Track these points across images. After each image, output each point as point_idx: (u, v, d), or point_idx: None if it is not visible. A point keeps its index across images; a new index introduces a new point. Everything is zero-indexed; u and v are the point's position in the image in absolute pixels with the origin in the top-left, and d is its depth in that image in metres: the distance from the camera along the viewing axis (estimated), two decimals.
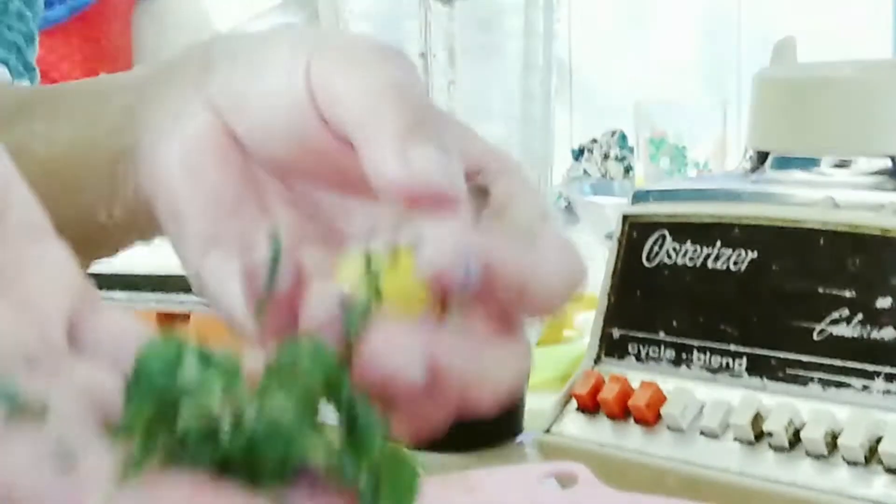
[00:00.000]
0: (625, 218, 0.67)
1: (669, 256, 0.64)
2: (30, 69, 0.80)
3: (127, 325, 0.32)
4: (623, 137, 1.94)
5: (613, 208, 1.41)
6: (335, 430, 0.30)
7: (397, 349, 0.32)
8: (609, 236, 1.22)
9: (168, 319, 1.75)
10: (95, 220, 0.47)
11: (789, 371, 0.59)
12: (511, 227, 0.35)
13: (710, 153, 1.35)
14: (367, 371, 0.32)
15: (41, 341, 0.30)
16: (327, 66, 0.37)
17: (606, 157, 1.93)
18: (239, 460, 0.28)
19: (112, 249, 0.52)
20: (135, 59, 2.39)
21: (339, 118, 0.36)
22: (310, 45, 0.37)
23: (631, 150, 1.88)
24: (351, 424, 0.30)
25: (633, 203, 0.67)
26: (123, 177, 0.42)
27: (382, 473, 0.30)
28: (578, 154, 1.98)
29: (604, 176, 1.91)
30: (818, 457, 0.57)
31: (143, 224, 0.44)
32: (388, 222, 0.36)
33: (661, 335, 0.64)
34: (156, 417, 0.28)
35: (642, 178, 1.39)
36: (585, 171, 1.93)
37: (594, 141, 1.97)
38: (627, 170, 1.91)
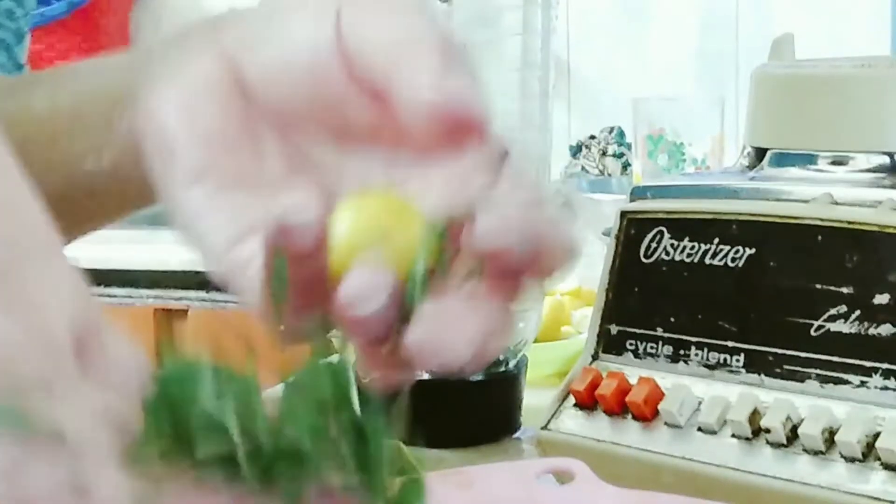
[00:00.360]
0: (623, 214, 0.67)
1: (667, 253, 0.64)
2: (19, 67, 0.80)
3: (132, 351, 0.31)
4: (621, 134, 1.94)
5: (611, 205, 1.41)
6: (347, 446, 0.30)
7: (452, 335, 0.32)
8: (607, 233, 1.22)
9: (166, 315, 1.75)
10: (85, 168, 0.47)
11: (787, 367, 0.59)
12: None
13: (707, 150, 1.35)
14: (420, 357, 0.32)
15: (51, 362, 0.29)
16: (360, 12, 0.37)
17: (604, 153, 1.93)
18: (256, 482, 0.28)
19: (96, 214, 0.52)
20: None
21: (372, 60, 0.36)
22: None
23: (629, 146, 1.88)
24: (359, 441, 0.30)
25: (631, 199, 0.67)
26: (119, 120, 0.42)
27: (393, 489, 0.30)
28: (576, 151, 1.98)
29: (601, 173, 1.91)
30: (816, 453, 0.57)
31: (129, 175, 0.44)
32: (383, 179, 0.36)
33: (659, 331, 0.64)
34: (173, 442, 0.28)
35: (640, 174, 1.39)
36: (583, 168, 1.93)
37: (592, 138, 1.97)
38: (625, 166, 1.91)
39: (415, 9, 0.37)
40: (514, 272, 0.33)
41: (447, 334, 0.32)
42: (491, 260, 0.33)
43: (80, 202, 0.49)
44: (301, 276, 0.34)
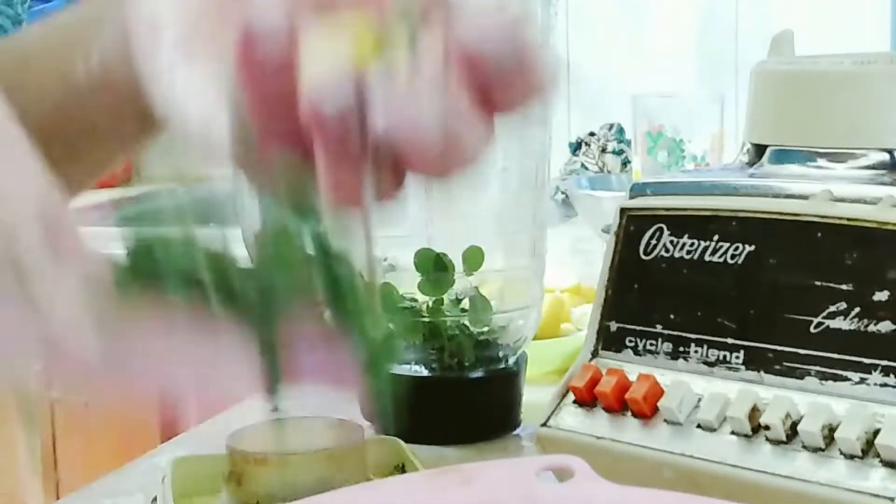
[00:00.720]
0: (622, 211, 0.67)
1: (667, 250, 0.64)
2: None
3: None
4: (620, 131, 1.94)
5: (611, 202, 1.41)
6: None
7: (419, 114, 0.32)
8: (606, 230, 1.21)
9: None
10: (75, 85, 0.47)
11: (786, 364, 0.59)
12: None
13: (707, 147, 1.35)
14: (392, 132, 0.32)
15: (21, 243, 0.30)
16: None
17: (604, 150, 1.93)
18: (228, 306, 0.28)
19: (95, 143, 0.52)
20: None
21: None
22: None
23: (628, 143, 1.88)
24: (333, 280, 0.30)
25: (630, 196, 0.67)
26: (107, 21, 0.42)
27: (367, 328, 0.30)
28: (576, 147, 1.98)
29: (601, 169, 1.91)
30: (815, 450, 0.57)
31: (120, 79, 0.44)
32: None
33: (659, 328, 0.64)
34: (147, 284, 0.29)
35: (640, 171, 1.39)
36: (583, 165, 1.93)
37: (592, 134, 1.97)
38: (625, 163, 1.91)
39: None
40: (489, 84, 0.32)
41: (414, 109, 0.31)
42: (466, 65, 0.32)
43: (78, 128, 0.49)
44: (272, 93, 0.33)
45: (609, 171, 1.92)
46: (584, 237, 1.48)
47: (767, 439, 0.59)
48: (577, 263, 1.22)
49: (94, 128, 0.51)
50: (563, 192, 1.82)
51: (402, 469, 0.68)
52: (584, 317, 0.98)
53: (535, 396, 0.77)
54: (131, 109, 0.43)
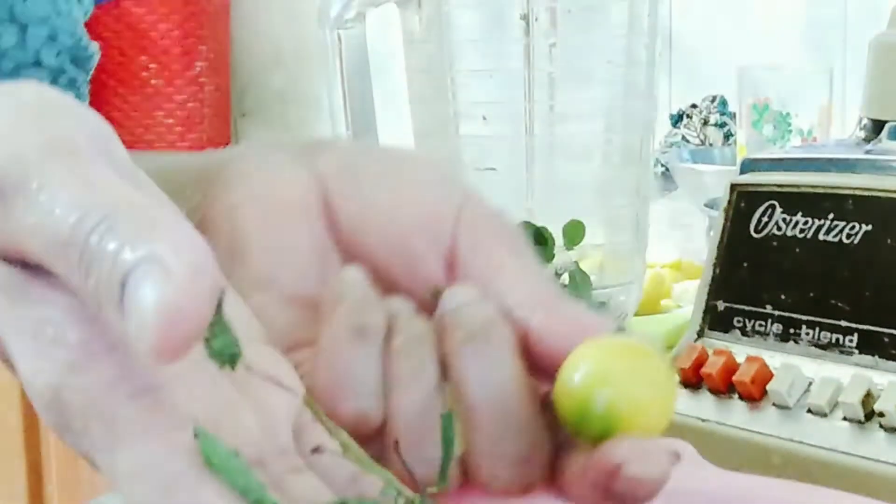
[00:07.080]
0: (733, 187, 0.65)
1: (779, 228, 0.62)
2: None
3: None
4: (723, 103, 1.90)
5: (713, 176, 1.38)
6: None
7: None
8: (709, 204, 1.19)
9: None
10: None
11: None
12: None
13: (815, 121, 1.32)
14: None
15: (276, 447, 0.32)
16: (479, 222, 0.38)
17: (706, 122, 1.89)
18: None
19: None
20: (232, 22, 2.40)
21: (486, 275, 0.37)
22: (461, 188, 0.39)
23: (731, 116, 1.85)
24: None
25: (741, 172, 0.65)
26: (185, 200, 0.41)
27: None
28: (677, 120, 1.94)
29: (703, 142, 1.88)
30: None
31: None
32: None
33: (769, 309, 0.62)
34: None
35: (744, 145, 1.36)
36: (684, 138, 1.90)
37: (693, 106, 1.93)
38: (727, 136, 1.87)
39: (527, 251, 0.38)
40: None
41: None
42: None
43: None
44: None
45: (711, 144, 1.89)
46: (685, 211, 1.46)
47: (881, 426, 0.57)
48: (678, 238, 1.20)
49: None
50: (663, 165, 1.79)
51: None
52: (685, 293, 0.96)
53: None
54: None
